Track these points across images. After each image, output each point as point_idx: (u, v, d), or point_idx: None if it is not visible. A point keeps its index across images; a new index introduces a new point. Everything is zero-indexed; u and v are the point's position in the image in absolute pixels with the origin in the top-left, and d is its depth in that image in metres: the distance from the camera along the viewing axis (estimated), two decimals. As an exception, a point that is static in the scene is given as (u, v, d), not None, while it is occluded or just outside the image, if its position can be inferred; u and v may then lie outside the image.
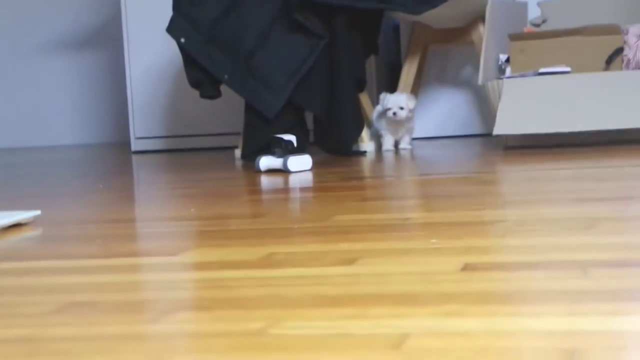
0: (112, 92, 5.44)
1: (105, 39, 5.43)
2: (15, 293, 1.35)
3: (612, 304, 1.07)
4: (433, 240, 1.55)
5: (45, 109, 5.51)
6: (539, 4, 3.83)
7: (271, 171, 2.99)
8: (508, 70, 3.39)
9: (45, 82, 5.50)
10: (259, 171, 2.99)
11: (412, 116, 3.42)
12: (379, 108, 3.47)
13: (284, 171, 2.93)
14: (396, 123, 3.42)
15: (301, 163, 2.94)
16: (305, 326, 1.05)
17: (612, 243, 1.44)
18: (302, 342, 0.99)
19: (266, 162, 3.00)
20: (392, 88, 4.06)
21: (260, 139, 3.43)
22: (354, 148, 3.47)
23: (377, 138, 3.53)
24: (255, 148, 3.43)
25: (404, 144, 3.46)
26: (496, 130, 3.17)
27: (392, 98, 3.40)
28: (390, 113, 3.38)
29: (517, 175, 2.50)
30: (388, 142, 3.44)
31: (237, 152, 3.69)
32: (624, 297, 1.10)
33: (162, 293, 1.29)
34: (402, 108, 3.37)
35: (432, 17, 3.60)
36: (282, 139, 2.98)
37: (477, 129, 4.05)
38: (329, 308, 1.13)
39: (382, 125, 3.45)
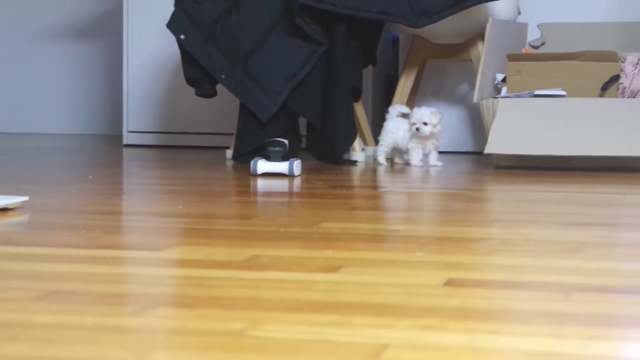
0: (108, 83, 5.44)
1: (105, 30, 5.42)
2: (-3, 277, 1.34)
3: (593, 328, 1.07)
4: (418, 254, 1.55)
5: (39, 96, 5.50)
6: (539, 26, 3.84)
7: (265, 175, 2.92)
8: (504, 90, 3.40)
9: (41, 69, 5.49)
10: (255, 175, 2.91)
11: (437, 131, 3.36)
12: (410, 121, 3.39)
13: (282, 175, 2.88)
14: (423, 138, 3.36)
15: (300, 168, 2.95)
16: (285, 330, 1.05)
17: (596, 268, 1.45)
18: (280, 345, 0.99)
19: (265, 166, 2.92)
20: (388, 100, 4.06)
21: (252, 141, 3.42)
22: (345, 157, 3.47)
23: (399, 152, 3.47)
24: (246, 150, 3.43)
25: (433, 161, 3.39)
26: (488, 149, 3.17)
27: (417, 113, 3.35)
28: (413, 128, 3.33)
29: (506, 195, 2.50)
30: (416, 157, 3.37)
31: (228, 153, 3.68)
32: (605, 322, 1.10)
33: (144, 287, 1.29)
34: (425, 123, 3.32)
35: (432, 31, 3.60)
36: (282, 141, 2.93)
37: (469, 146, 4.06)
38: (310, 313, 1.13)
39: (412, 140, 3.38)
